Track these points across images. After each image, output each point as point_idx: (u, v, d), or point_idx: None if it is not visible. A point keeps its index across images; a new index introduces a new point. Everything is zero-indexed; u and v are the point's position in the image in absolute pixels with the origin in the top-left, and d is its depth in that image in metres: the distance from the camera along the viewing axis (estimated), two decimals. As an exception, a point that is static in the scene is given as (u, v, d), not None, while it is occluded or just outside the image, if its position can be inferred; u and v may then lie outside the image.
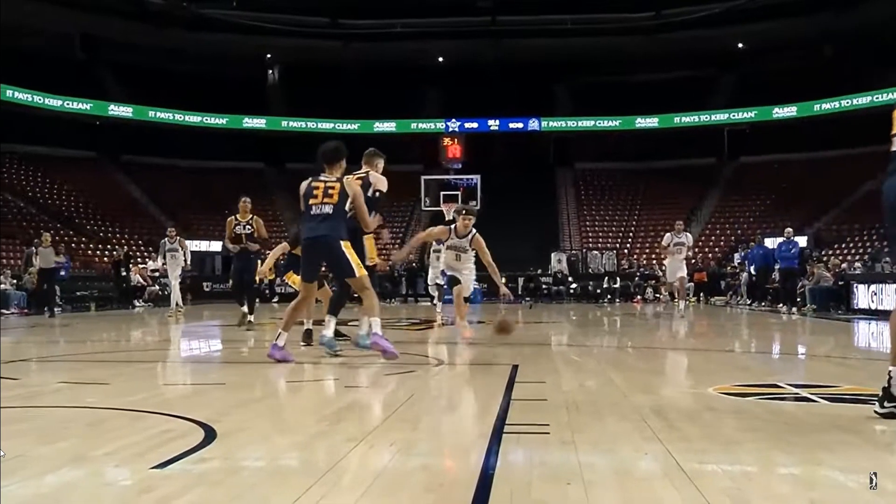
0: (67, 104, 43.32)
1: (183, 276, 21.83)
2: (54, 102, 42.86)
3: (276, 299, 31.53)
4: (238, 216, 13.59)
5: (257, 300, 31.19)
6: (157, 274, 26.86)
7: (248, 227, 13.40)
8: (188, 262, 21.10)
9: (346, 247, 7.86)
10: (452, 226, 10.62)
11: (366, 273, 8.06)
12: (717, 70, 46.11)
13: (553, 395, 5.75)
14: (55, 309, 22.02)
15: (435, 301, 20.07)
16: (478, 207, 10.55)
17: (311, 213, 7.92)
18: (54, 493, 3.25)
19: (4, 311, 23.62)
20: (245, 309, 13.67)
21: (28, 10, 40.15)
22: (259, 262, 13.85)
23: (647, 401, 5.31)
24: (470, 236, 10.44)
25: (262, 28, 43.26)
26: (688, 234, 19.44)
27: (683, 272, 18.39)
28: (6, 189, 39.28)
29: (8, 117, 40.47)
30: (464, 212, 10.63)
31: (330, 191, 7.99)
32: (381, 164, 9.08)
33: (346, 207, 8.04)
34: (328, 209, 7.91)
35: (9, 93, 41.08)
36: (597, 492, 3.10)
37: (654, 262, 38.23)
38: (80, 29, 43.23)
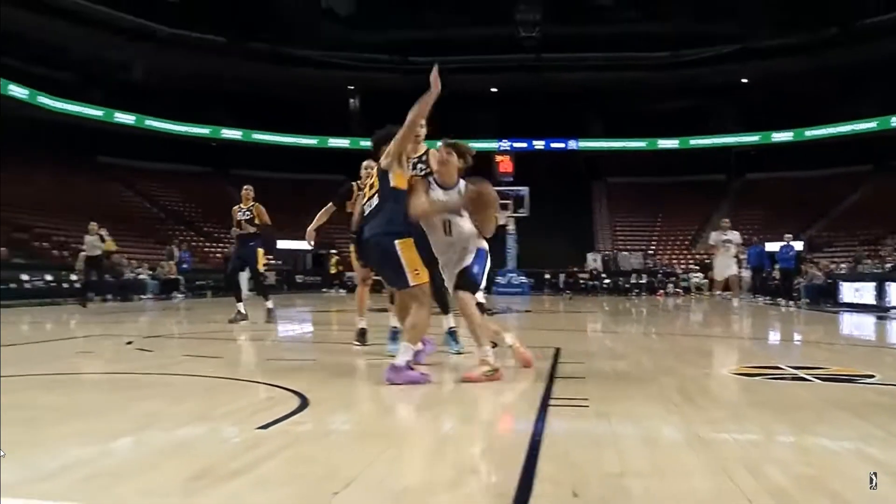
0: (190, 129, 44.25)
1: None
2: (181, 128, 43.84)
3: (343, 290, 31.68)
4: (241, 203, 12.05)
5: (341, 290, 31.49)
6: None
7: (247, 212, 11.85)
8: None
9: (403, 247, 5.23)
10: (429, 177, 5.77)
11: (426, 282, 5.26)
12: (725, 100, 45.49)
13: (590, 374, 5.69)
14: (91, 297, 18.73)
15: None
16: (472, 151, 5.70)
17: (364, 213, 5.66)
18: (183, 444, 3.32)
19: (142, 296, 24.12)
20: (241, 306, 11.64)
21: (159, 56, 41.19)
22: (258, 249, 12.25)
23: (670, 380, 5.24)
24: (460, 186, 5.60)
25: (345, 65, 43.67)
26: (735, 232, 17.01)
27: (733, 270, 16.60)
28: (145, 198, 40.26)
29: (148, 141, 42.17)
30: (445, 141, 5.82)
31: (373, 176, 5.65)
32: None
33: (393, 185, 5.36)
34: (375, 200, 5.48)
35: (147, 122, 42.29)
36: (628, 456, 3.07)
37: (675, 261, 38.00)
38: (200, 68, 43.99)
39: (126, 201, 38.79)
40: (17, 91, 36.19)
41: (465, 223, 5.52)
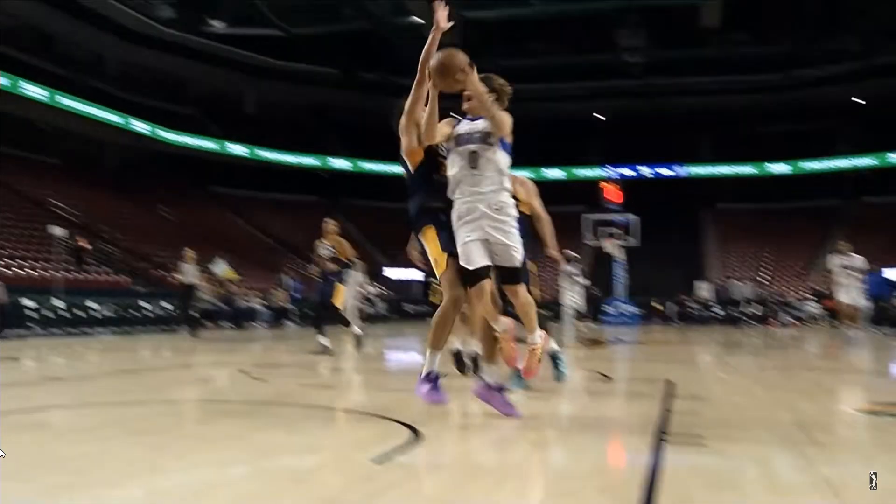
0: (301, 160, 45.44)
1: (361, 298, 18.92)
2: (291, 159, 45.07)
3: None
4: (323, 238, 11.51)
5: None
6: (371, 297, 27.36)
7: (330, 248, 11.35)
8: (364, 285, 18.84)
9: (425, 239, 4.86)
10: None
11: (448, 266, 4.73)
12: (838, 121, 43.94)
13: (704, 408, 5.54)
14: (195, 328, 18.00)
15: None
16: (508, 89, 4.81)
17: None
18: (298, 475, 3.37)
19: (255, 324, 24.82)
20: (324, 340, 11.25)
21: (270, 88, 42.84)
22: (337, 285, 11.48)
23: (790, 416, 5.05)
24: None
25: (450, 94, 44.17)
26: (858, 256, 15.19)
27: (850, 297, 14.88)
28: (256, 227, 41.51)
29: (259, 172, 43.55)
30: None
31: None
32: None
33: (411, 166, 5.00)
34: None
35: (259, 153, 43.68)
36: (751, 499, 2.97)
37: (787, 289, 36.76)
38: (311, 100, 45.31)
39: (238, 230, 40.07)
40: (140, 126, 37.96)
41: (500, 157, 4.71)
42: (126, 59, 38.18)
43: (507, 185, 4.73)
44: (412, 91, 4.79)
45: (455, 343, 7.28)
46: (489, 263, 4.62)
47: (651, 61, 40.59)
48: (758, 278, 38.97)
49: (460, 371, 7.20)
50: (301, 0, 35.74)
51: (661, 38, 38.81)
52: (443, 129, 4.77)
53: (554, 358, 6.52)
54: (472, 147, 4.67)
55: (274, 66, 42.40)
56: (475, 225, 4.61)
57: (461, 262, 4.63)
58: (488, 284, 4.61)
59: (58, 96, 33.27)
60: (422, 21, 33.75)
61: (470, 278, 4.60)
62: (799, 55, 39.48)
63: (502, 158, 4.71)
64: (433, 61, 4.60)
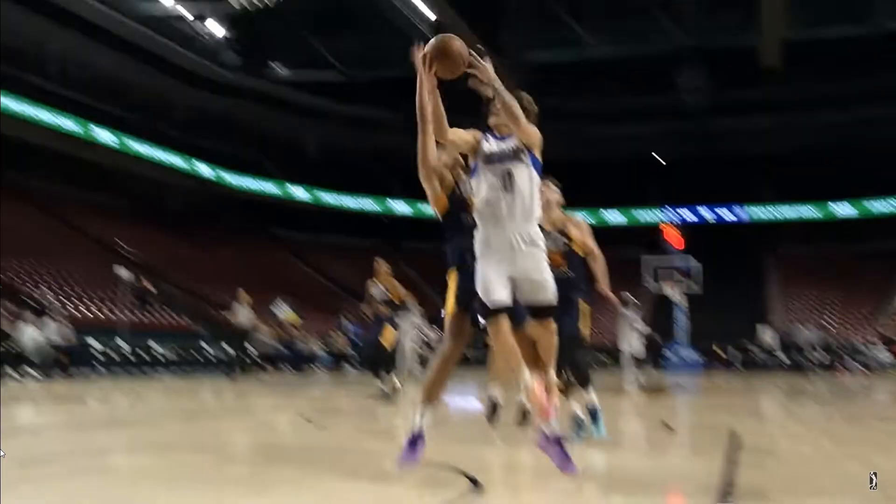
0: (360, 204, 45.98)
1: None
2: (352, 203, 45.61)
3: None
4: (375, 278, 11.19)
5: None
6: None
7: (383, 291, 11.04)
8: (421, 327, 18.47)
9: (451, 277, 4.94)
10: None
11: (454, 313, 4.74)
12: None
13: (771, 462, 5.36)
14: (235, 371, 18.39)
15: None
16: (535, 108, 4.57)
17: None
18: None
19: (314, 367, 25.00)
20: (382, 385, 11.02)
21: (331, 132, 43.63)
22: (385, 325, 11.16)
23: (864, 471, 4.87)
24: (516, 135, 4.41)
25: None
26: None
27: None
28: (317, 271, 41.94)
29: (319, 215, 44.26)
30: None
31: None
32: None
33: (436, 215, 5.10)
34: None
35: (319, 196, 44.33)
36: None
37: (854, 335, 35.75)
38: (371, 145, 45.92)
39: (299, 273, 40.52)
40: (203, 169, 38.82)
41: (533, 178, 4.38)
42: (191, 104, 39.21)
43: (539, 212, 4.42)
44: (419, 140, 4.54)
45: (494, 391, 7.20)
46: (508, 302, 4.27)
47: (711, 102, 40.35)
48: (823, 323, 38.03)
49: (489, 421, 7.10)
50: (362, 44, 36.45)
51: (721, 78, 38.64)
52: (465, 136, 4.47)
53: (593, 414, 6.20)
54: (506, 166, 4.35)
55: (335, 109, 43.17)
56: (500, 257, 4.29)
57: (479, 294, 4.30)
58: (506, 322, 4.23)
59: (126, 140, 34.22)
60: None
61: (487, 313, 4.27)
62: (861, 93, 38.86)
63: (535, 179, 4.40)
64: (429, 47, 4.27)
